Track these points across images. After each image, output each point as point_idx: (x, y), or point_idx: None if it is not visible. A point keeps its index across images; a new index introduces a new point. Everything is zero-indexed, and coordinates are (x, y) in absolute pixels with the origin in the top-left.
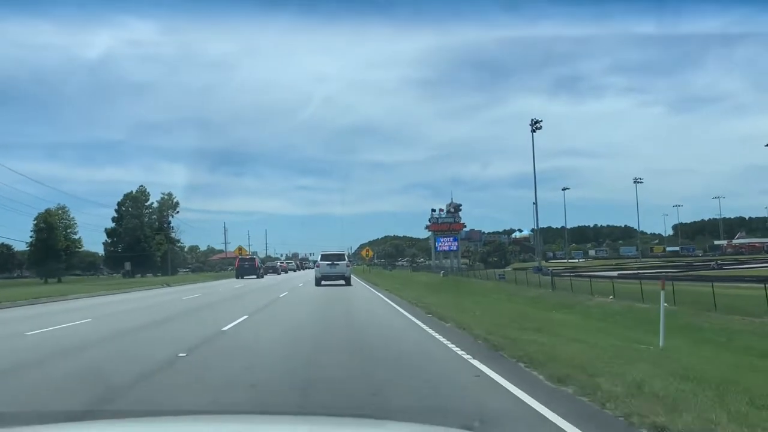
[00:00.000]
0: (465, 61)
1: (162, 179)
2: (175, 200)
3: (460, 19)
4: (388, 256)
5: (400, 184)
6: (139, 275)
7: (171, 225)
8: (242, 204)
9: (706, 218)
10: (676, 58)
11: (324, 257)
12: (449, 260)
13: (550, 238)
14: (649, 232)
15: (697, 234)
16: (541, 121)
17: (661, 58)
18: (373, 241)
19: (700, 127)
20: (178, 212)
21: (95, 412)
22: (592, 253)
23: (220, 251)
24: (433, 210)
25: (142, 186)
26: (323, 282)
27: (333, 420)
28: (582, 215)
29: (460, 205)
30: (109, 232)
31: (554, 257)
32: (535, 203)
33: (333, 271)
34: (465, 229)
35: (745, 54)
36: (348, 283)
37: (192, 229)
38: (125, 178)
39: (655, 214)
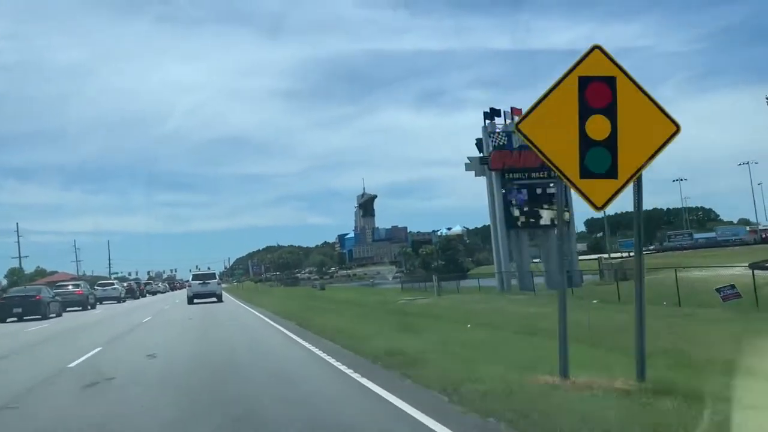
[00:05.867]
0: (334, 73)
1: (7, 199)
2: None
3: (325, 31)
4: (284, 267)
5: (274, 196)
6: None
7: None
8: (99, 223)
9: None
10: (529, 72)
11: (195, 277)
12: (531, 255)
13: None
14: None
15: (622, 228)
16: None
17: (516, 72)
18: (254, 252)
19: None
20: None
21: None
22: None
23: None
24: (491, 114)
25: None
26: (195, 300)
27: None
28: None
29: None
30: None
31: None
32: None
33: (204, 289)
34: (385, 228)
35: None
36: (219, 299)
37: (42, 251)
38: None
39: None
